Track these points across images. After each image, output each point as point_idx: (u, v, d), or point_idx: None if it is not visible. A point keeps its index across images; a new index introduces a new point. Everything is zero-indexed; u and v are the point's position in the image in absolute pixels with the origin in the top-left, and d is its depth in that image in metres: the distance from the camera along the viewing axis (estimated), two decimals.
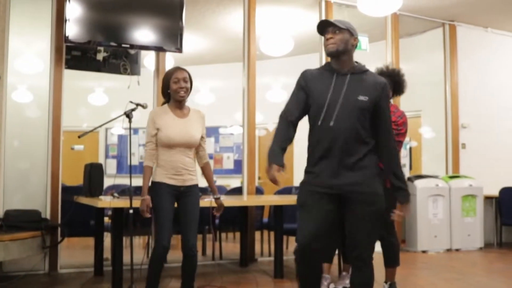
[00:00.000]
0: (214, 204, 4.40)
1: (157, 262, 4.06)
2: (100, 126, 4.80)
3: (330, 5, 7.45)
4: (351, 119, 3.08)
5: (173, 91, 4.11)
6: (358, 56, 3.32)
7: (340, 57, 3.17)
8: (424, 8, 7.92)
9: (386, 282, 4.72)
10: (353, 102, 3.08)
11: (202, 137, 4.25)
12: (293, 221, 6.20)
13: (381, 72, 4.71)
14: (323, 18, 7.43)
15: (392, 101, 4.75)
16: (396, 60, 7.82)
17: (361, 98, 3.08)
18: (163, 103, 4.25)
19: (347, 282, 4.99)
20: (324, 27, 3.20)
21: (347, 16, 7.50)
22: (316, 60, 7.47)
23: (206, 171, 4.32)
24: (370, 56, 7.58)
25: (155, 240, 4.10)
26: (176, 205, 4.16)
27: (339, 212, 3.15)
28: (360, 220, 3.10)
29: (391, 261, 4.66)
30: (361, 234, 3.13)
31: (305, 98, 3.18)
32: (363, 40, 7.40)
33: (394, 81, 4.70)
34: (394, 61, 7.77)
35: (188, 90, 4.15)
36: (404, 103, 7.15)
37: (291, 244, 6.75)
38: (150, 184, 4.08)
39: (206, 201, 4.49)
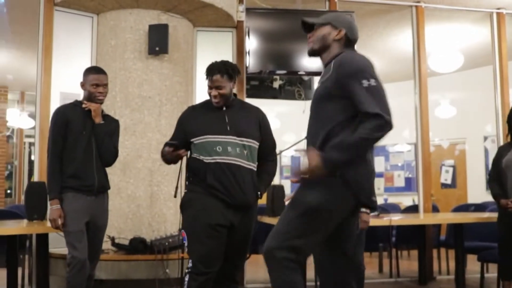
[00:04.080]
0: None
1: None
2: (284, 150, 5.14)
3: (502, 16, 7.25)
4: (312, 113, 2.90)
5: None
6: None
7: (321, 55, 2.92)
8: None
9: None
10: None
11: None
12: (472, 239, 6.09)
13: None
14: (495, 30, 7.27)
15: None
16: None
17: (321, 84, 2.81)
18: None
19: None
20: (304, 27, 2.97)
21: None
22: (489, 73, 7.32)
23: None
24: None
25: None
26: None
27: None
28: None
29: None
30: None
31: None
32: None
33: None
34: None
35: None
36: None
37: (470, 263, 6.61)
38: None
39: (385, 220, 4.61)
